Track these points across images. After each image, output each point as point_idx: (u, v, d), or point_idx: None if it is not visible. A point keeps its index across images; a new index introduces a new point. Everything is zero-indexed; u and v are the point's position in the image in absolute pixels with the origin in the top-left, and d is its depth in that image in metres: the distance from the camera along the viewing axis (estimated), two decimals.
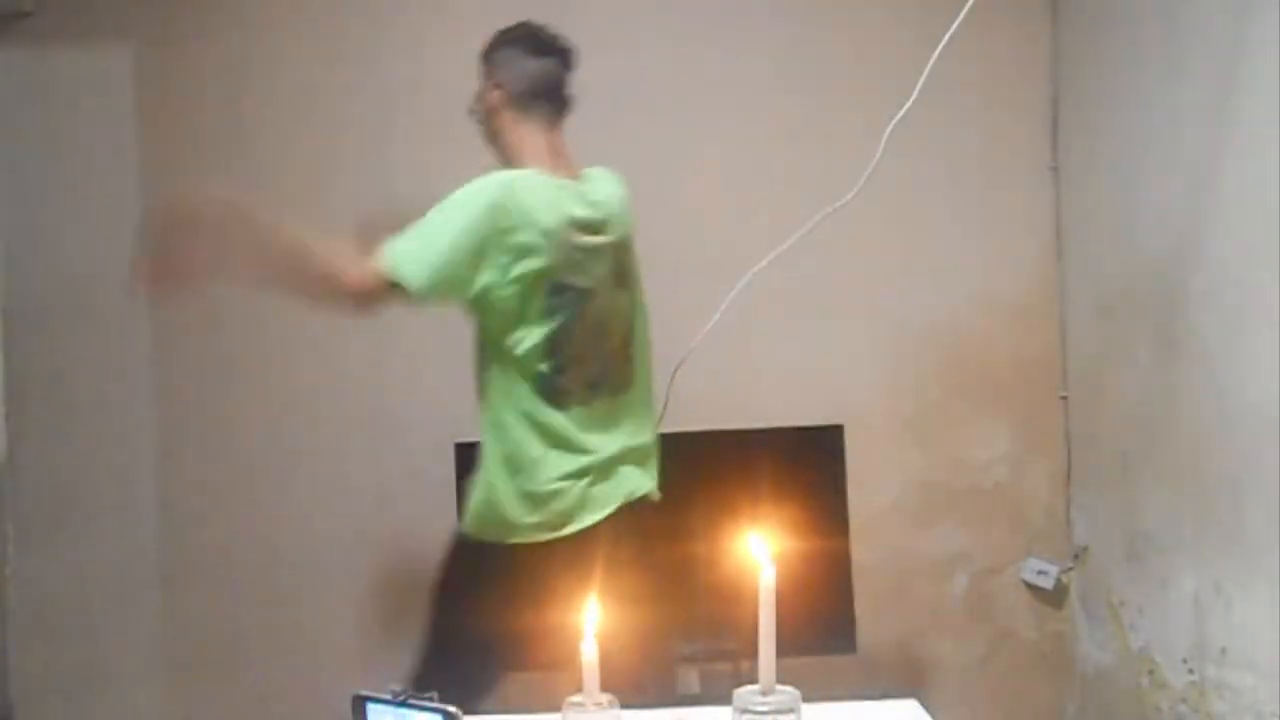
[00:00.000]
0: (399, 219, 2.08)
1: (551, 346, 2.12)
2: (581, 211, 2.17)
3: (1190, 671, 2.47)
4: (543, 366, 2.12)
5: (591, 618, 1.46)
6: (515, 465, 2.16)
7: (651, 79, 3.09)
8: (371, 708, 1.43)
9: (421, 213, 2.05)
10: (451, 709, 1.38)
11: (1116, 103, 2.77)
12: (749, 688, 1.45)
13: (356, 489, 3.07)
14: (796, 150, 3.06)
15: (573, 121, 3.08)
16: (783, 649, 1.43)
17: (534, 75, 2.28)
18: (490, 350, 2.15)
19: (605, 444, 2.21)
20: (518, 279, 2.06)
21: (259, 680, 3.07)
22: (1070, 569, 3.06)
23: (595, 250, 2.17)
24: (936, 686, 3.04)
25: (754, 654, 1.43)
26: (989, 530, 3.09)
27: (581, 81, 3.09)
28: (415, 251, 2.02)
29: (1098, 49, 2.87)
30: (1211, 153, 2.36)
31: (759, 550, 1.44)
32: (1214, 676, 2.38)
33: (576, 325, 2.14)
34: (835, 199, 2.65)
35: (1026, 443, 3.09)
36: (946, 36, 2.45)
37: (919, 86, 2.51)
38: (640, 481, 2.29)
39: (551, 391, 2.14)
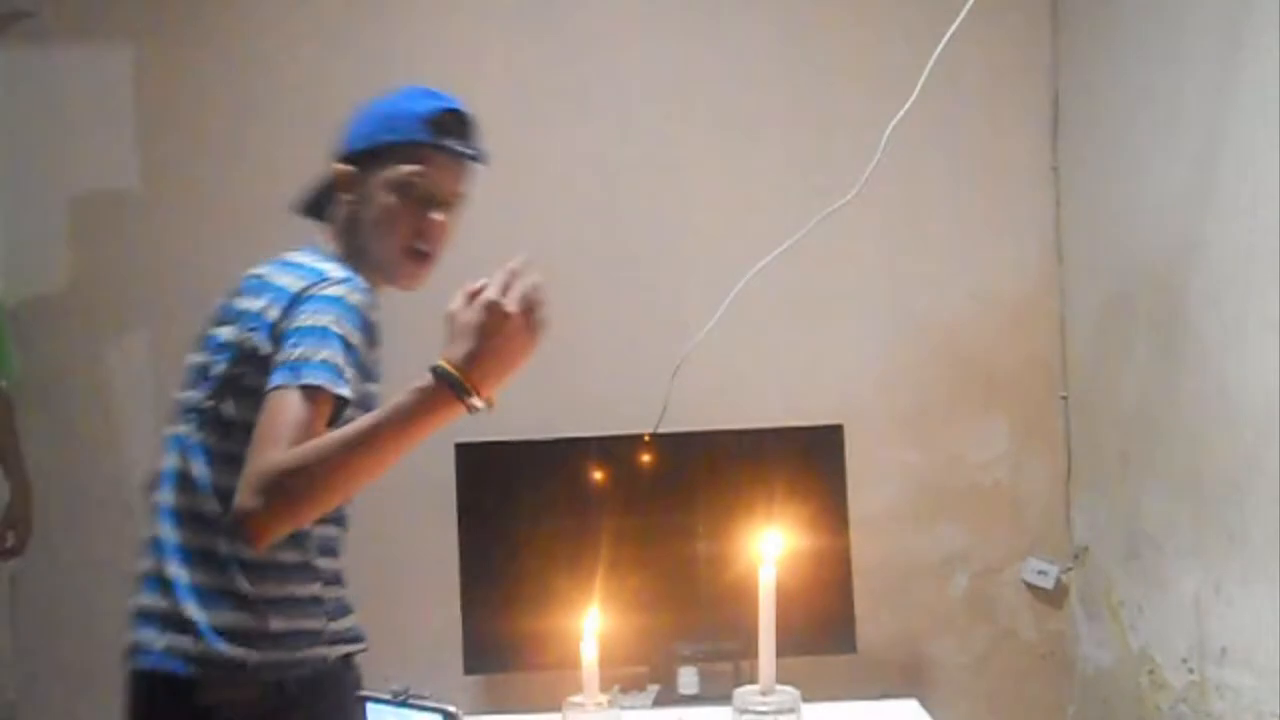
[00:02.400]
0: None
1: None
2: None
3: (1190, 671, 2.47)
4: None
5: (592, 618, 1.46)
6: None
7: (650, 79, 3.09)
8: (371, 708, 1.43)
9: None
10: (451, 709, 1.38)
11: (1116, 103, 2.77)
12: (749, 688, 1.45)
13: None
14: (796, 150, 3.06)
15: (572, 122, 3.09)
16: (783, 649, 1.43)
17: None
18: None
19: None
20: None
21: None
22: (1070, 569, 3.06)
23: None
24: (936, 686, 3.04)
25: (754, 654, 1.43)
26: (989, 530, 3.09)
27: (580, 80, 3.11)
28: None
29: (1098, 49, 2.87)
30: (1211, 153, 2.36)
31: (759, 550, 1.44)
32: (1214, 676, 2.38)
33: None
34: (835, 199, 2.65)
35: (1026, 443, 3.09)
36: (946, 36, 2.46)
37: (919, 86, 2.52)
38: None
39: None
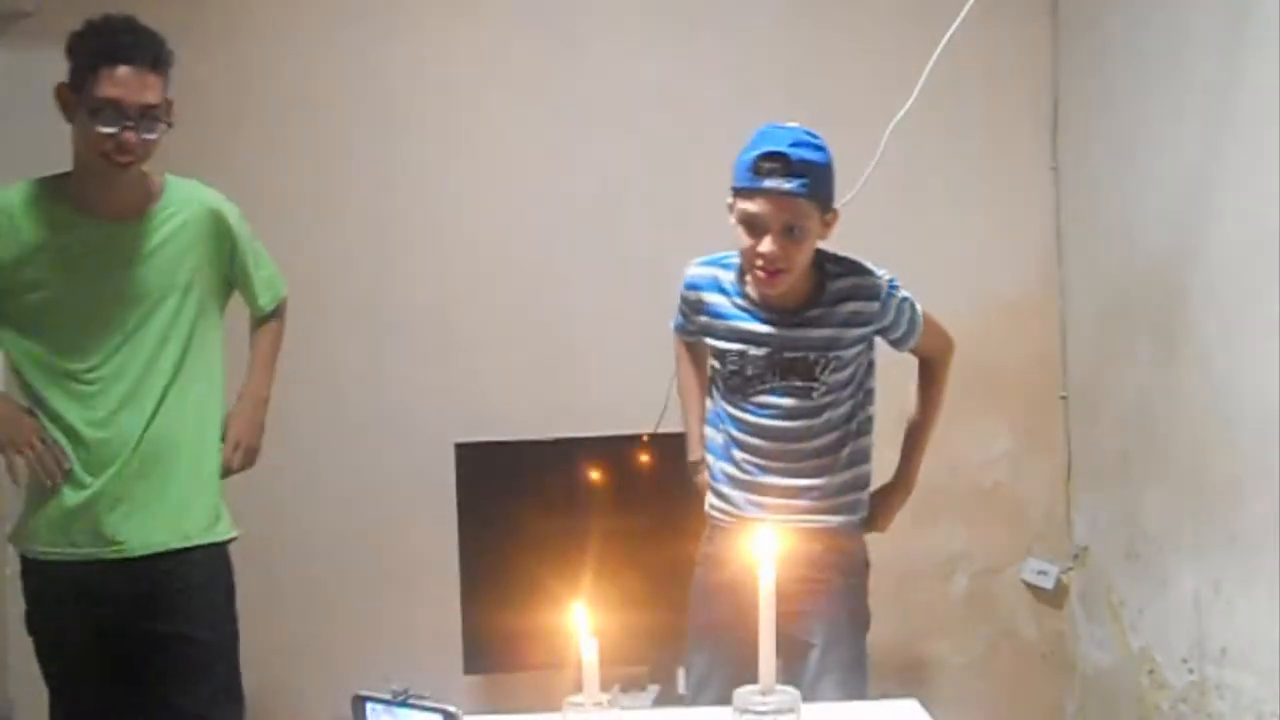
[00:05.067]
0: None
1: None
2: None
3: (1190, 671, 2.47)
4: None
5: (588, 618, 1.46)
6: None
7: (651, 78, 3.08)
8: (371, 708, 1.43)
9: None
10: (451, 709, 1.38)
11: (1116, 103, 2.77)
12: (749, 688, 1.45)
13: (356, 489, 3.07)
14: None
15: (570, 122, 3.09)
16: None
17: None
18: None
19: None
20: None
21: (259, 680, 3.06)
22: (1070, 569, 3.06)
23: None
24: (936, 686, 3.04)
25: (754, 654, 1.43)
26: (989, 530, 3.09)
27: (579, 81, 3.10)
28: None
29: (1098, 49, 2.87)
30: (1211, 153, 2.36)
31: (758, 551, 1.44)
32: (1214, 676, 2.38)
33: None
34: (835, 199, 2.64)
35: (1026, 443, 3.09)
36: (946, 36, 2.46)
37: (919, 86, 2.52)
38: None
39: None
